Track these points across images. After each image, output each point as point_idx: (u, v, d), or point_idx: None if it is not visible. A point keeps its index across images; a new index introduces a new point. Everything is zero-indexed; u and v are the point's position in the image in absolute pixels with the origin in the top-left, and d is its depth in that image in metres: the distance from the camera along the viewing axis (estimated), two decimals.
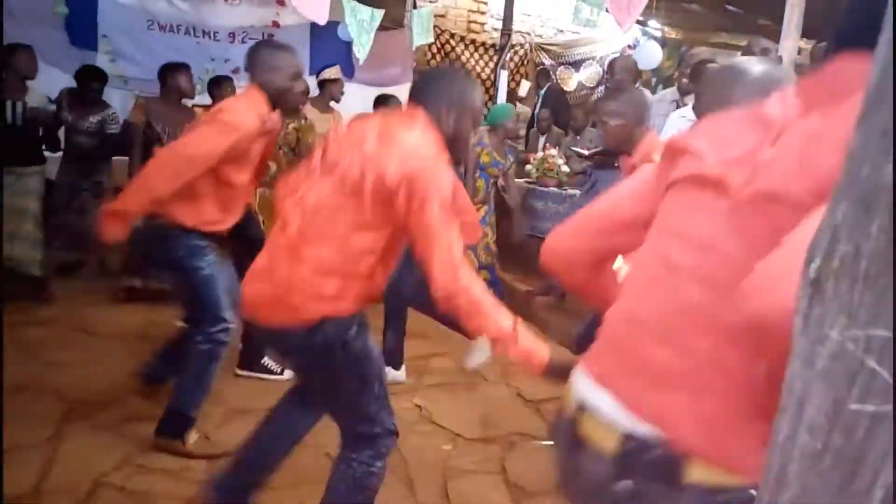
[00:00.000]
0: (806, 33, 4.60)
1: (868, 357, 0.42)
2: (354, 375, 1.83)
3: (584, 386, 1.08)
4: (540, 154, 5.73)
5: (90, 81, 4.77)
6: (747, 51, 3.51)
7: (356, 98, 5.78)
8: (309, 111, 4.49)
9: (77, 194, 4.81)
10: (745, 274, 0.78)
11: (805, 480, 0.46)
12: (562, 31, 8.66)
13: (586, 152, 4.25)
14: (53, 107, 4.59)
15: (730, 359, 0.89)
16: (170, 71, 4.53)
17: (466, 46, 8.05)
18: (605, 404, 1.01)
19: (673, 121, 3.94)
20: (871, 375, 0.42)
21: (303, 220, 1.79)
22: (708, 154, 1.00)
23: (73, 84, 4.82)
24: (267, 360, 3.45)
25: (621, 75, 4.57)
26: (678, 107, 4.16)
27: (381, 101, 4.60)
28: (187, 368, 2.70)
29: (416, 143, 1.75)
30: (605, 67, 7.70)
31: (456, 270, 1.66)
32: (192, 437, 2.69)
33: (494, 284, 5.05)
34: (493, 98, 6.86)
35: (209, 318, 2.68)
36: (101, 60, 5.83)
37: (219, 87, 4.93)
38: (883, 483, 0.42)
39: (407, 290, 3.30)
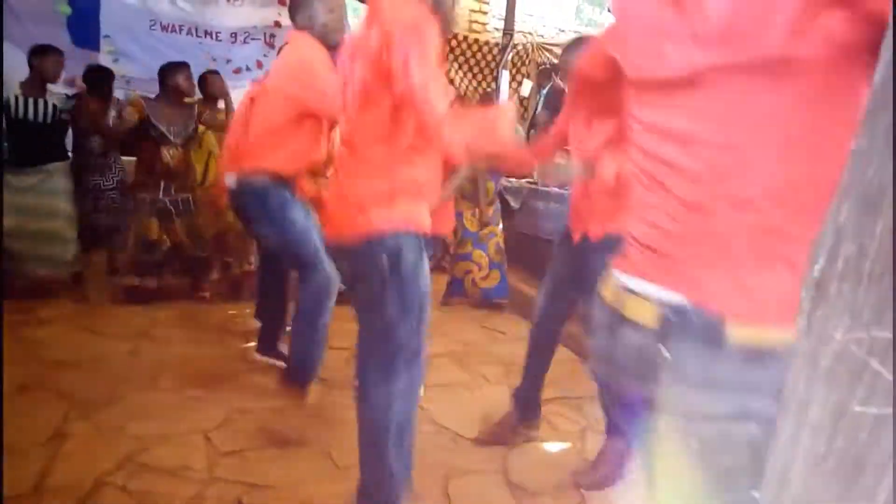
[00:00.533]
0: None
1: (872, 358, 0.42)
2: (397, 297, 1.84)
3: (622, 276, 1.10)
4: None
5: (97, 78, 4.78)
6: None
7: None
8: None
9: (102, 194, 4.83)
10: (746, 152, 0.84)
11: (807, 482, 0.46)
12: (563, 30, 8.66)
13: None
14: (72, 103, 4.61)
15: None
16: (169, 71, 4.53)
17: (469, 46, 8.05)
18: (642, 287, 1.03)
19: None
20: (874, 377, 0.42)
21: (347, 135, 1.91)
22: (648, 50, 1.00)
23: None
24: (281, 347, 3.46)
25: None
26: None
27: None
28: (299, 321, 2.86)
29: (391, 6, 1.79)
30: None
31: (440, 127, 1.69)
32: (313, 389, 2.85)
33: (502, 283, 5.05)
34: (496, 97, 6.85)
35: (309, 268, 2.82)
36: (104, 60, 5.84)
37: (205, 82, 4.97)
38: (887, 485, 0.42)
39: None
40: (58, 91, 4.54)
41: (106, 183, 4.84)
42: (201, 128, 4.72)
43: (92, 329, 3.99)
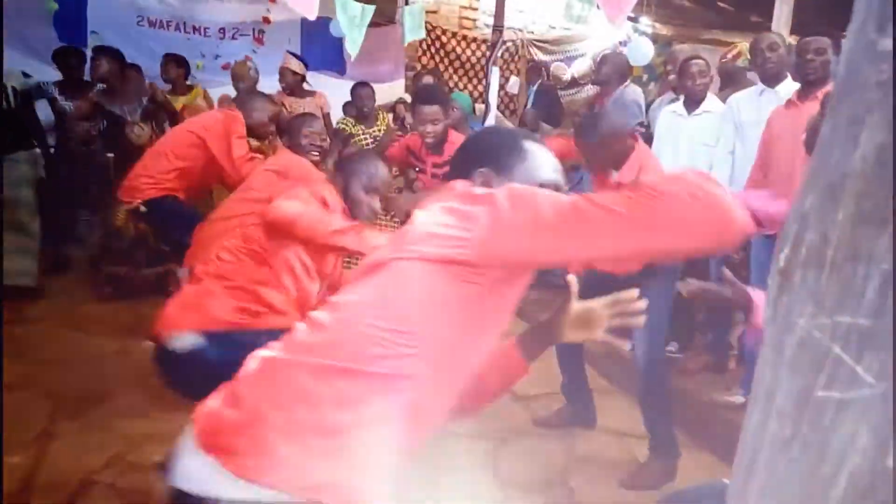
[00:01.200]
0: (795, 29, 4.63)
1: (834, 344, 0.43)
2: None
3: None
4: None
5: (68, 59, 4.74)
6: (755, 47, 3.51)
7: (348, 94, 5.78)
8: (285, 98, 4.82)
9: (86, 188, 4.78)
10: None
11: (774, 467, 0.47)
12: (553, 27, 8.67)
13: None
14: (33, 80, 4.57)
15: None
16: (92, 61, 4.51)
17: (458, 42, 8.05)
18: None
19: (665, 116, 3.94)
20: (836, 362, 0.43)
21: None
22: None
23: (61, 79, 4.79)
24: None
25: (610, 71, 4.55)
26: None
27: (357, 88, 4.74)
28: None
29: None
30: (595, 63, 7.70)
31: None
32: None
33: None
34: (484, 95, 6.86)
35: None
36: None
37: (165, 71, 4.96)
38: (848, 469, 0.42)
39: None
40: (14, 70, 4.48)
41: (92, 177, 4.79)
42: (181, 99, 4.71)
43: (79, 327, 3.97)
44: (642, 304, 1.28)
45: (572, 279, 1.32)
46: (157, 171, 3.54)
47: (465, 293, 1.05)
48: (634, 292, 1.29)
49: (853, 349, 0.42)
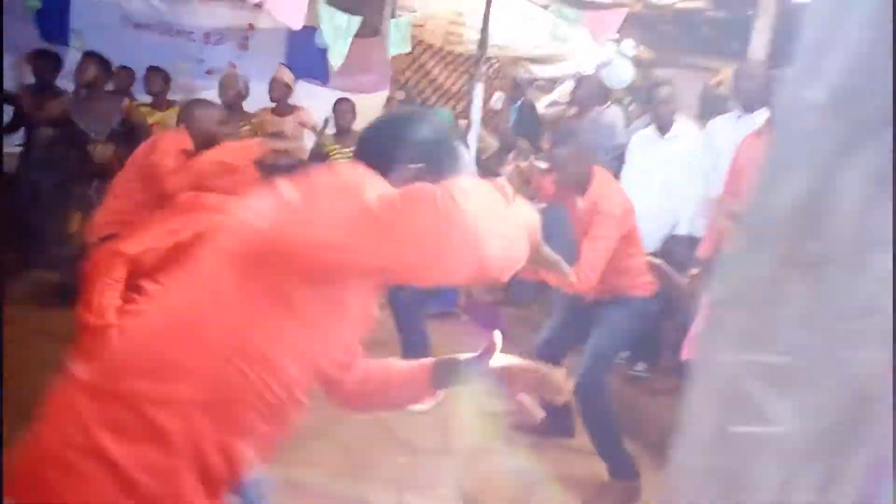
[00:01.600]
0: (772, 58, 4.73)
1: (752, 382, 0.44)
2: None
3: None
4: (510, 167, 5.77)
5: (40, 63, 4.67)
6: (735, 74, 3.59)
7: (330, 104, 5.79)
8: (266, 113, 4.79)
9: (48, 191, 4.67)
10: None
11: (695, 499, 0.48)
12: (538, 45, 8.75)
13: (545, 165, 4.29)
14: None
15: None
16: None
17: (443, 57, 8.10)
18: None
19: (637, 140, 4.00)
20: (752, 399, 0.45)
21: None
22: None
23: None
24: None
25: (585, 94, 4.62)
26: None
27: (338, 103, 4.76)
28: None
29: None
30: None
31: None
32: None
33: (451, 293, 5.02)
34: (466, 110, 6.90)
35: None
36: (74, 56, 5.76)
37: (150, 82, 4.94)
38: (761, 501, 0.44)
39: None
40: None
41: (50, 178, 4.61)
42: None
43: (47, 331, 3.90)
44: (567, 384, 1.21)
45: (497, 334, 1.27)
46: (121, 210, 3.41)
47: (255, 293, 0.91)
48: (562, 372, 1.22)
49: (769, 387, 0.44)
